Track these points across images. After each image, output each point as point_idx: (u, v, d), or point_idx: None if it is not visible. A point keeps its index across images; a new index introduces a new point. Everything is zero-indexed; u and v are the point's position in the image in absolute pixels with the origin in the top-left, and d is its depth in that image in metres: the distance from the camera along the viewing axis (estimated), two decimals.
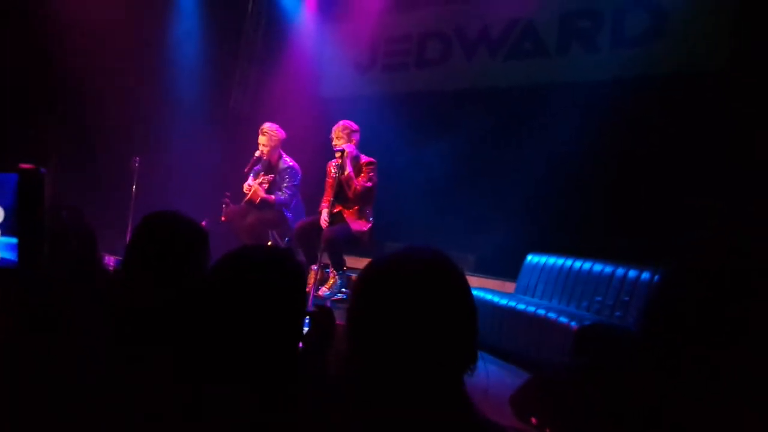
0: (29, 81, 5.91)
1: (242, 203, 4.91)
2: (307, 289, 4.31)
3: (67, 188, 6.07)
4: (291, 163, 4.94)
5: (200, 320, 1.09)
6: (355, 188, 4.45)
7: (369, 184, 4.50)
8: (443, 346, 0.90)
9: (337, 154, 4.50)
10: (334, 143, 4.56)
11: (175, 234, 1.49)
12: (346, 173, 4.43)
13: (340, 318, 2.01)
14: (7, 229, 1.54)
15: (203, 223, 5.05)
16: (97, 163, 6.09)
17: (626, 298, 3.71)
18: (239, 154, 5.54)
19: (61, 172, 6.15)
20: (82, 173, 5.92)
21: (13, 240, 1.53)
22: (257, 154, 4.88)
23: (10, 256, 1.54)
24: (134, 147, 5.72)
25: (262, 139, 4.86)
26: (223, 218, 4.86)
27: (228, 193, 4.92)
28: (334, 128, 4.59)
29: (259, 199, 4.83)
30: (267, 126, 4.89)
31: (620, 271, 3.85)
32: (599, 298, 3.92)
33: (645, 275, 3.66)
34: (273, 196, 4.86)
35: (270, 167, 4.96)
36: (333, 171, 4.55)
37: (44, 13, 5.66)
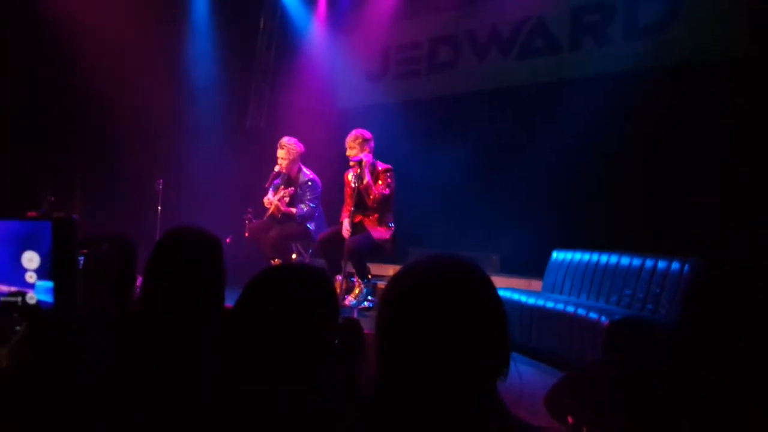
0: (51, 111, 6.07)
1: (264, 218, 4.96)
2: None
3: (95, 215, 6.25)
4: (311, 176, 4.98)
5: (233, 340, 1.11)
6: (375, 196, 4.47)
7: (387, 191, 4.51)
8: (475, 352, 0.89)
9: (352, 163, 4.52)
10: (348, 153, 4.58)
11: (191, 244, 1.50)
12: (365, 182, 4.45)
13: (367, 326, 2.01)
14: (43, 273, 1.59)
15: (228, 240, 5.10)
16: (121, 187, 6.21)
17: (657, 290, 3.65)
18: (259, 171, 5.60)
19: (87, 200, 6.31)
20: (108, 199, 6.06)
21: (50, 284, 1.59)
22: (277, 168, 4.93)
23: (47, 298, 1.60)
24: (157, 170, 5.83)
25: (281, 153, 4.91)
26: (246, 234, 4.91)
27: (250, 209, 4.98)
28: (348, 138, 4.62)
29: (280, 213, 4.88)
30: (285, 140, 4.95)
31: (649, 262, 3.79)
32: (629, 292, 3.86)
33: (675, 266, 3.60)
34: (295, 210, 4.90)
35: (290, 181, 5.01)
36: (351, 181, 4.58)
37: (60, 45, 5.81)
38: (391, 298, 0.95)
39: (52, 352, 1.37)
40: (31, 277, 1.57)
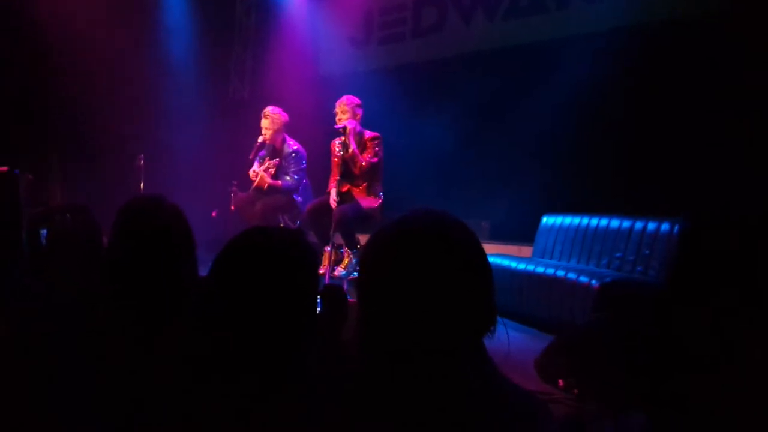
0: (29, 85, 5.90)
1: (250, 190, 4.88)
2: (322, 270, 4.33)
3: (76, 190, 6.13)
4: (296, 147, 4.88)
5: (208, 307, 1.06)
6: (361, 165, 4.38)
7: (375, 159, 4.43)
8: (459, 307, 0.86)
9: (341, 131, 4.42)
10: (338, 118, 4.47)
11: (152, 217, 1.45)
12: (350, 151, 4.36)
13: (354, 296, 1.97)
14: None
15: (213, 214, 5.02)
16: (102, 163, 6.09)
17: (647, 252, 3.63)
18: (243, 142, 5.49)
19: (68, 175, 6.18)
20: (89, 174, 5.94)
21: None
22: (261, 139, 4.83)
23: None
24: (138, 145, 5.70)
25: (264, 123, 4.80)
26: (232, 207, 4.84)
27: (235, 182, 4.89)
28: (338, 103, 4.50)
29: (266, 185, 4.79)
30: (269, 109, 4.83)
31: (639, 224, 3.77)
32: (619, 254, 3.85)
33: (665, 227, 3.58)
34: (280, 182, 4.82)
35: (275, 152, 4.91)
36: (337, 150, 4.48)
37: (36, 18, 5.61)
38: (369, 255, 0.92)
39: (23, 324, 1.33)
40: None
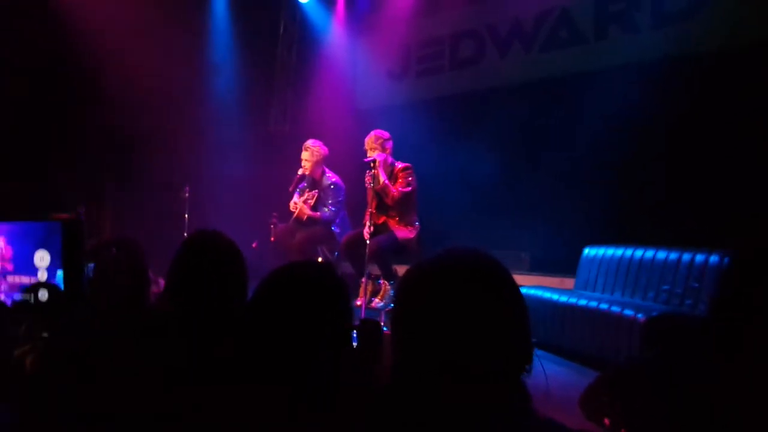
0: (82, 119, 6.19)
1: (290, 222, 4.96)
2: (359, 302, 4.32)
3: (124, 220, 6.35)
4: (335, 179, 4.96)
5: (243, 338, 1.08)
6: (393, 195, 4.41)
7: (408, 189, 4.45)
8: (493, 345, 0.85)
9: (371, 165, 4.46)
10: (368, 154, 4.54)
11: (212, 250, 1.53)
12: (381, 182, 4.40)
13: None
14: (53, 272, 1.67)
15: (254, 245, 5.11)
16: (150, 194, 6.30)
17: (696, 285, 3.50)
18: (283, 174, 5.61)
19: (117, 205, 6.41)
20: (137, 204, 6.16)
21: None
22: (300, 171, 4.93)
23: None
24: (183, 177, 5.89)
25: (305, 155, 4.90)
26: (272, 238, 4.91)
27: (275, 214, 4.98)
28: (366, 139, 4.59)
29: (306, 216, 4.87)
30: (310, 142, 4.95)
31: (687, 256, 3.64)
32: (666, 287, 3.71)
33: (714, 259, 3.45)
34: (319, 213, 4.89)
35: (314, 183, 5.00)
36: (368, 182, 4.49)
37: (87, 56, 5.90)
38: (405, 291, 0.93)
39: (71, 355, 1.38)
40: (42, 275, 1.63)
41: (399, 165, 4.53)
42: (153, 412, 1.21)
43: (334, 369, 1.06)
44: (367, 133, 4.72)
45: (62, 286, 1.60)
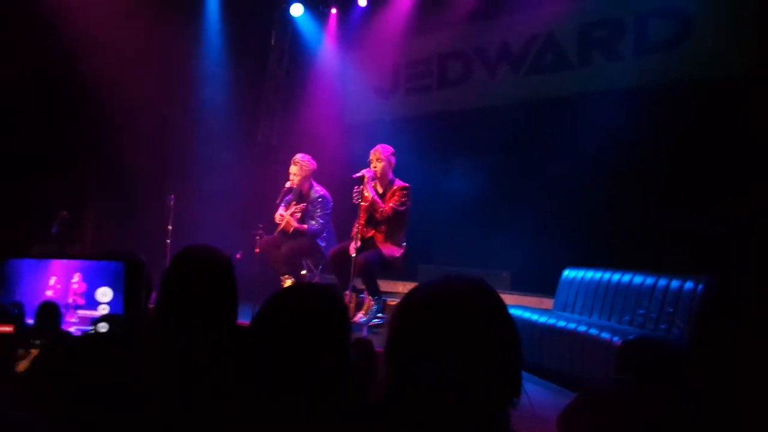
0: (68, 126, 6.14)
1: (275, 234, 4.98)
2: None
3: (107, 231, 6.29)
4: (322, 192, 5.00)
5: (247, 357, 1.12)
6: (383, 211, 4.46)
7: (402, 208, 4.50)
8: (482, 375, 0.88)
9: (360, 180, 4.47)
10: (373, 165, 4.57)
11: (203, 265, 1.56)
12: (369, 198, 4.45)
13: (377, 343, 2.01)
14: (115, 307, 1.83)
15: (238, 256, 5.09)
16: (134, 201, 6.26)
17: (670, 310, 3.60)
18: (269, 186, 5.63)
19: (99, 216, 6.36)
20: (121, 212, 6.11)
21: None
22: (288, 184, 4.96)
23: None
24: (168, 185, 5.87)
25: (293, 169, 4.94)
26: (257, 250, 4.92)
27: (261, 225, 4.99)
28: (373, 151, 4.61)
29: (292, 228, 4.89)
30: (299, 156, 4.99)
31: (662, 281, 3.75)
32: (642, 311, 3.82)
33: (689, 285, 3.56)
34: (306, 226, 4.92)
35: (301, 196, 5.03)
36: (356, 198, 4.51)
37: (73, 64, 5.87)
38: (404, 316, 0.95)
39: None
40: (104, 310, 1.75)
41: (398, 184, 4.58)
42: (145, 426, 1.24)
43: (335, 388, 1.10)
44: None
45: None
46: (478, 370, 0.88)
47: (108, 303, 1.80)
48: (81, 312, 2.04)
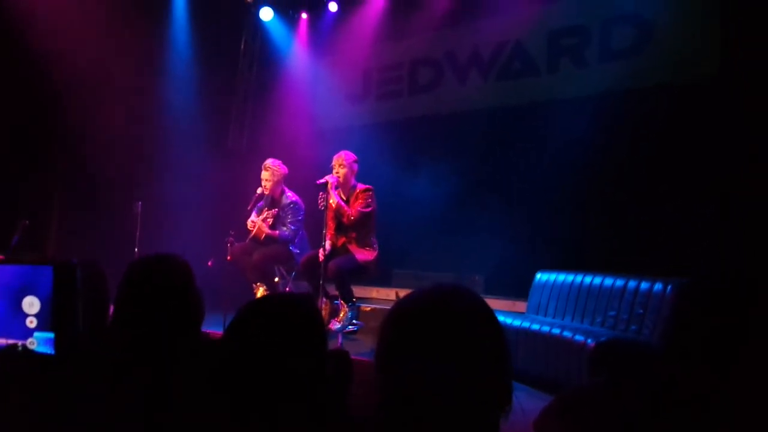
0: (30, 133, 5.97)
1: (247, 240, 4.90)
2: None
3: (72, 240, 6.11)
4: (294, 198, 4.95)
5: (220, 372, 1.08)
6: (349, 215, 4.44)
7: (367, 209, 4.48)
8: (473, 384, 0.88)
9: (324, 186, 4.42)
10: (335, 171, 4.55)
11: (157, 275, 1.50)
12: (334, 204, 4.42)
13: (353, 351, 1.99)
14: (43, 319, 1.55)
15: (209, 263, 4.99)
16: (100, 209, 6.10)
17: (641, 311, 3.67)
18: (240, 192, 5.55)
19: (64, 224, 6.17)
20: (86, 219, 5.95)
21: (50, 334, 1.55)
22: (259, 190, 4.90)
23: (46, 349, 1.56)
24: (136, 192, 5.74)
25: (265, 175, 4.88)
26: (228, 257, 4.84)
27: (232, 232, 4.91)
28: (336, 157, 4.60)
29: (263, 235, 4.83)
30: (270, 162, 4.93)
31: (632, 283, 3.82)
32: (613, 313, 3.88)
33: (658, 287, 3.63)
34: (278, 232, 4.86)
35: (273, 202, 4.97)
36: (320, 204, 4.45)
37: (42, 67, 5.72)
38: (393, 326, 0.94)
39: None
40: (31, 323, 1.56)
41: (360, 186, 4.57)
42: None
43: (312, 400, 1.07)
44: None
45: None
46: (475, 377, 0.87)
47: (35, 315, 1.53)
48: None
